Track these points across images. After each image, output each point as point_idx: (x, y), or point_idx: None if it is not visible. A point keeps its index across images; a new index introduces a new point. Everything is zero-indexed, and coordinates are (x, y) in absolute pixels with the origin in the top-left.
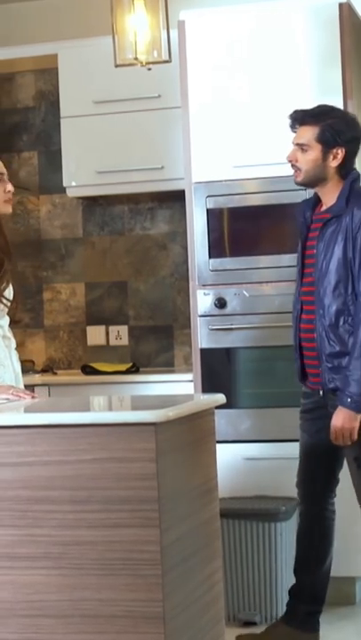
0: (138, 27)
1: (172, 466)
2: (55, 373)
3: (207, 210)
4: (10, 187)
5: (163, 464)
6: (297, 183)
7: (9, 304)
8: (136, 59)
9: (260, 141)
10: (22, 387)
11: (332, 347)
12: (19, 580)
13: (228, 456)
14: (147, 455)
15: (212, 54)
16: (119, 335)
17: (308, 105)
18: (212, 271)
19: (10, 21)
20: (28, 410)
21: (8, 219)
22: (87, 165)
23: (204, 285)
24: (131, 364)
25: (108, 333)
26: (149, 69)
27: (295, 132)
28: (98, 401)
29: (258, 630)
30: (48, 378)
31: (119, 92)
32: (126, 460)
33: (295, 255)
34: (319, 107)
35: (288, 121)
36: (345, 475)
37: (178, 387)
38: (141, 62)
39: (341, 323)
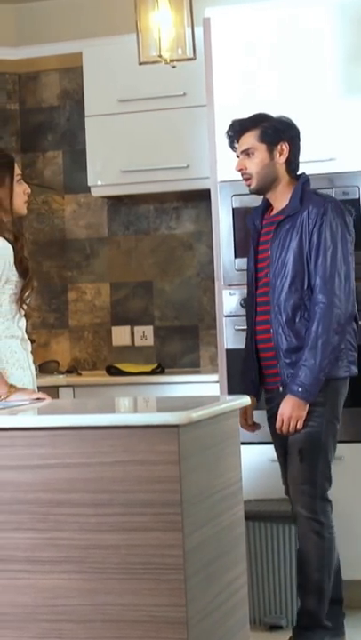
0: (162, 24)
1: (195, 468)
2: (80, 374)
3: (233, 209)
4: (27, 188)
5: (186, 466)
6: (251, 191)
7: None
8: (160, 56)
9: None
10: (37, 389)
11: (289, 342)
12: (40, 585)
13: (253, 458)
14: (169, 457)
15: (238, 51)
16: (144, 335)
17: (333, 103)
18: (237, 271)
19: (34, 20)
20: (49, 411)
21: (33, 218)
22: (112, 164)
23: (229, 285)
24: (156, 365)
25: (133, 334)
26: (174, 67)
27: (236, 147)
28: (121, 402)
29: (284, 635)
30: (73, 379)
31: (144, 90)
32: (149, 462)
33: None
34: (254, 114)
35: (227, 140)
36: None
37: (203, 388)
38: (166, 60)
39: (298, 318)
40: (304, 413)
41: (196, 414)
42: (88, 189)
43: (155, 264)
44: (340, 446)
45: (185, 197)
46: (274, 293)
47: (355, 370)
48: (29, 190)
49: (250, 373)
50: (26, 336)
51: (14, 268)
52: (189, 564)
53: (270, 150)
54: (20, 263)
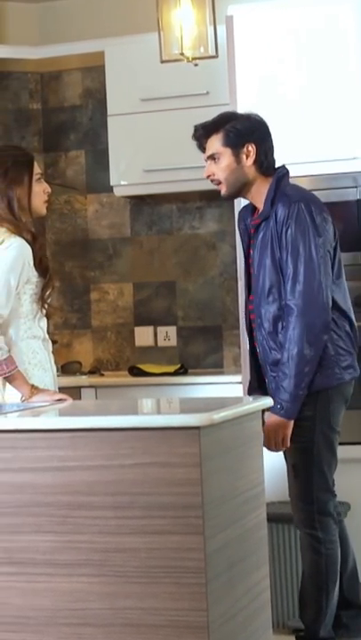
0: (184, 22)
1: (216, 471)
2: (102, 375)
3: None
4: (48, 187)
5: (207, 469)
6: (224, 197)
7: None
8: (182, 54)
9: (310, 138)
10: (58, 390)
11: (273, 355)
12: (59, 588)
13: (276, 459)
14: (190, 460)
15: (261, 50)
16: (167, 336)
17: (357, 101)
18: None
19: (56, 19)
20: (69, 413)
21: (55, 218)
22: (134, 164)
23: None
24: (179, 366)
25: (156, 334)
26: (196, 65)
27: (205, 150)
28: (142, 403)
29: None
30: (95, 379)
31: (167, 89)
32: (169, 464)
33: (347, 254)
34: (219, 115)
35: (195, 143)
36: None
37: (227, 389)
38: (187, 58)
39: (280, 329)
40: (288, 431)
41: (218, 416)
42: (110, 189)
43: (178, 264)
44: (356, 448)
45: (208, 197)
46: (256, 303)
47: (351, 375)
48: (49, 190)
49: (252, 382)
50: (47, 336)
51: (34, 268)
52: (211, 567)
53: (236, 154)
54: (39, 263)
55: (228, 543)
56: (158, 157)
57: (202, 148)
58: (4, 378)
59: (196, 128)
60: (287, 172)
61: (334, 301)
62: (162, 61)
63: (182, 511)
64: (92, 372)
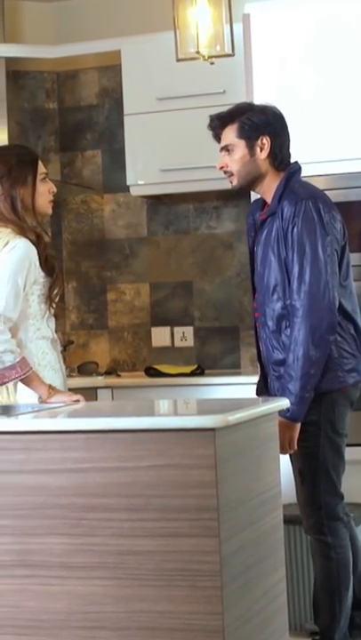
0: (200, 20)
1: (232, 473)
2: (119, 375)
3: None
4: (53, 187)
5: (222, 471)
6: (234, 189)
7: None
8: (198, 52)
9: (328, 137)
10: (67, 389)
11: (276, 354)
12: (74, 591)
13: None
14: (205, 462)
15: (279, 48)
16: (184, 336)
17: None
18: None
19: (72, 18)
20: (83, 414)
21: (72, 218)
22: (151, 163)
23: None
24: (196, 366)
25: (173, 334)
26: (212, 63)
27: (221, 140)
28: (158, 404)
29: None
30: (111, 380)
31: (183, 88)
32: (184, 466)
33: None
34: (235, 106)
35: (211, 133)
36: None
37: (244, 389)
38: (203, 56)
39: (283, 328)
40: (295, 434)
41: (233, 417)
42: (127, 189)
43: (194, 264)
44: None
45: (225, 196)
46: (260, 300)
47: (354, 379)
48: (55, 189)
49: (260, 381)
50: (56, 336)
51: (40, 269)
52: (226, 570)
53: (250, 146)
54: (45, 262)
55: (244, 546)
56: (175, 157)
57: (217, 137)
58: (20, 380)
59: (212, 118)
60: (299, 168)
61: (340, 303)
62: (178, 60)
63: (197, 513)
64: (108, 373)
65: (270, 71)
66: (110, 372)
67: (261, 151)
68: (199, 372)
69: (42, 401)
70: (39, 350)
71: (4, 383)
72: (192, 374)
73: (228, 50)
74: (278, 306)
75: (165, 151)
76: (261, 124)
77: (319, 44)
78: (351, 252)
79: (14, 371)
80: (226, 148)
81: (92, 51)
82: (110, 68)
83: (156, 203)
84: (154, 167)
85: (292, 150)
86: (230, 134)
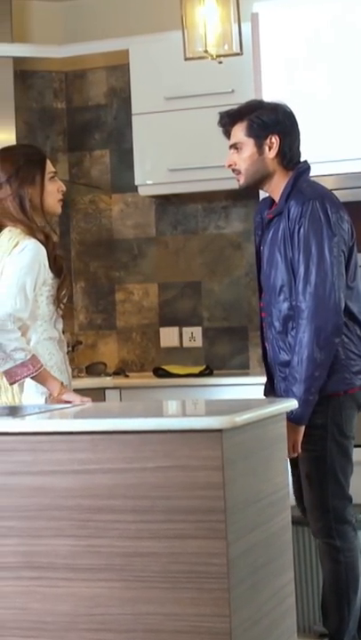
0: (208, 19)
1: (239, 474)
2: (127, 376)
3: None
4: (62, 186)
5: (230, 472)
6: (241, 187)
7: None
8: (206, 51)
9: (338, 137)
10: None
11: (282, 355)
12: (80, 593)
13: None
14: (212, 463)
15: (287, 47)
16: (193, 337)
17: None
18: None
19: (80, 18)
20: (89, 415)
21: (80, 218)
22: (159, 163)
23: None
24: (204, 367)
25: (181, 335)
26: (220, 62)
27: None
28: (165, 405)
29: None
30: (119, 381)
31: (191, 87)
32: (191, 468)
33: None
34: (246, 103)
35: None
36: None
37: (253, 390)
38: (211, 55)
39: (290, 329)
40: (299, 437)
41: (240, 418)
42: (135, 189)
43: (203, 264)
44: None
45: (234, 196)
46: (266, 301)
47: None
48: (64, 188)
49: (267, 382)
50: (62, 337)
51: (49, 269)
52: (234, 572)
53: (259, 145)
54: (53, 262)
55: (252, 547)
56: (183, 156)
57: (227, 134)
58: (32, 378)
59: (222, 115)
60: (308, 167)
61: (346, 305)
62: (186, 59)
63: (204, 515)
64: (116, 374)
65: (279, 70)
66: (118, 372)
67: (270, 150)
68: (208, 372)
69: (53, 397)
70: (46, 351)
71: (17, 381)
72: (201, 375)
73: (236, 49)
74: (285, 306)
75: (174, 151)
76: (271, 122)
77: (328, 43)
78: (359, 252)
79: (26, 368)
80: (235, 146)
81: (100, 50)
82: (118, 68)
83: (165, 203)
84: (162, 167)
85: (301, 149)
86: (239, 132)
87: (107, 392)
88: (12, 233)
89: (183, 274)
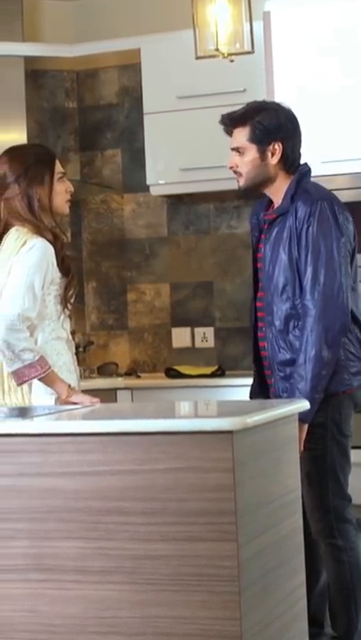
0: (219, 18)
1: (250, 476)
2: (139, 376)
3: None
4: (70, 186)
5: (240, 474)
6: (240, 189)
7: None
8: (217, 50)
9: (350, 135)
10: (80, 391)
11: (282, 354)
12: (89, 595)
13: None
14: (223, 465)
15: (299, 46)
16: (205, 337)
17: None
18: None
19: (91, 17)
20: (98, 416)
21: (92, 218)
22: (171, 163)
23: None
24: (216, 367)
25: (193, 335)
26: (232, 61)
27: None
28: (176, 406)
29: None
30: (131, 381)
31: (203, 86)
32: (202, 469)
33: None
34: (247, 105)
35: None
36: None
37: None
38: (223, 54)
39: (291, 328)
40: (303, 435)
41: (251, 420)
42: (147, 188)
43: (215, 264)
44: None
45: (245, 196)
46: (267, 300)
47: (359, 382)
48: (72, 188)
49: (254, 384)
50: (70, 337)
51: (57, 269)
52: (244, 575)
53: (262, 151)
54: (61, 262)
55: (263, 550)
56: (195, 156)
57: (229, 132)
58: (40, 379)
59: (223, 118)
60: (309, 169)
61: None
62: (197, 57)
63: (215, 517)
64: (128, 374)
65: (291, 69)
66: (130, 373)
67: (273, 156)
68: (220, 373)
69: (61, 400)
70: (54, 351)
71: (25, 382)
72: (213, 375)
73: (247, 47)
74: (287, 306)
75: (186, 150)
76: (273, 128)
77: (340, 42)
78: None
79: (34, 369)
80: (237, 150)
81: (112, 49)
82: (130, 67)
83: (177, 202)
84: (174, 166)
85: (312, 148)
86: (241, 137)
87: (118, 393)
88: (19, 232)
89: (195, 274)
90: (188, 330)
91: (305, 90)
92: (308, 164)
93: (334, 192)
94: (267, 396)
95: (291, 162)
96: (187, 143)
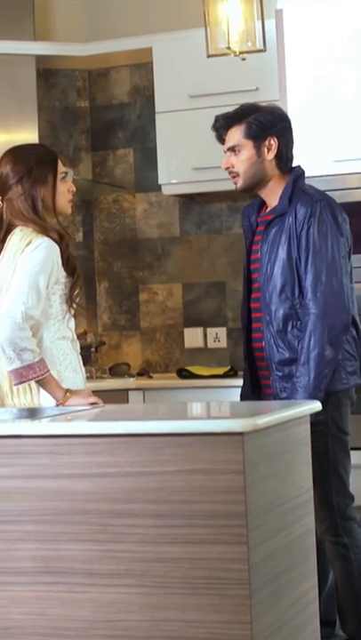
0: (231, 16)
1: (261, 478)
2: (151, 377)
3: None
4: (72, 186)
5: (251, 476)
6: (238, 190)
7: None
8: (229, 48)
9: None
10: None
11: (281, 354)
12: (99, 599)
13: None
14: (233, 467)
15: (312, 44)
16: (217, 337)
17: None
18: None
19: (103, 16)
20: (108, 418)
21: (104, 218)
22: (183, 162)
23: None
24: (229, 368)
25: (205, 335)
26: (243, 59)
27: (224, 141)
28: (186, 408)
29: None
30: (143, 382)
31: (215, 85)
32: (212, 471)
33: None
34: (241, 106)
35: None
36: None
37: None
38: (235, 52)
39: (290, 328)
40: None
41: (262, 421)
42: (159, 188)
43: (228, 264)
44: None
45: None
46: (265, 300)
47: (354, 381)
48: (74, 188)
49: (245, 386)
50: (75, 337)
51: (62, 268)
52: (255, 578)
53: (258, 147)
54: (67, 262)
55: (274, 553)
56: (208, 155)
57: (221, 139)
58: (37, 382)
59: (217, 118)
60: (303, 172)
61: None
62: (208, 56)
63: (225, 520)
64: (140, 375)
65: (304, 68)
66: (142, 373)
67: (268, 152)
68: (232, 373)
69: (58, 405)
70: (60, 351)
71: (22, 382)
72: (225, 376)
73: (259, 45)
74: (286, 306)
75: (198, 149)
76: (268, 124)
77: (353, 39)
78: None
79: (32, 370)
80: (232, 149)
81: (124, 48)
82: (142, 66)
83: (189, 202)
84: (186, 166)
85: (324, 147)
86: (237, 134)
87: (130, 393)
88: (23, 232)
89: (207, 274)
90: (200, 330)
91: (318, 88)
92: (321, 162)
93: (346, 191)
94: (259, 398)
95: (285, 160)
96: (199, 142)
